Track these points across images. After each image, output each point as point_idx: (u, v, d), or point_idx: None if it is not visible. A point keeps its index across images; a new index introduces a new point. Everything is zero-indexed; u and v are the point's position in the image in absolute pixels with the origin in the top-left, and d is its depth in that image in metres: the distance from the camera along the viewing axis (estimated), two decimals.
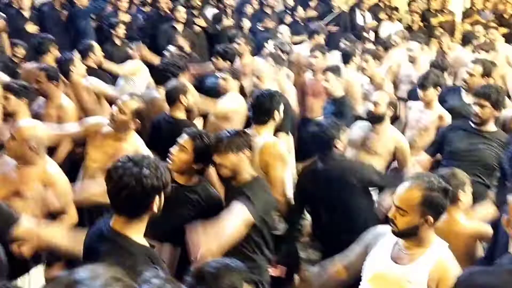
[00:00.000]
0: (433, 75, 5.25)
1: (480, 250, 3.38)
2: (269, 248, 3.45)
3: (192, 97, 4.89)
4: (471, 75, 5.43)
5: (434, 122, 5.12)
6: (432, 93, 5.17)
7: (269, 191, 3.47)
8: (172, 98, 4.70)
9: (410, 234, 2.69)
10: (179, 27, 8.69)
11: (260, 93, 4.21)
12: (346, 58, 6.93)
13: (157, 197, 2.33)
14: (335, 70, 5.66)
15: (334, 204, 3.87)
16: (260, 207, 3.23)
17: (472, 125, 4.43)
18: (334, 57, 7.20)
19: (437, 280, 2.62)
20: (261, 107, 4.07)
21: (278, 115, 4.08)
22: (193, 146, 3.39)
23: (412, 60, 7.08)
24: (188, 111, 4.87)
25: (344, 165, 3.99)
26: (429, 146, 4.80)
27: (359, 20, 10.74)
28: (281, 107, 4.12)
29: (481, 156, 4.34)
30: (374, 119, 4.72)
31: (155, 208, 2.34)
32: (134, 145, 4.14)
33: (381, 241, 2.85)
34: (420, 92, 5.20)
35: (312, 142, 4.04)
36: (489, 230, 3.18)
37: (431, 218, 2.64)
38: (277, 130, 4.76)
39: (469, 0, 12.60)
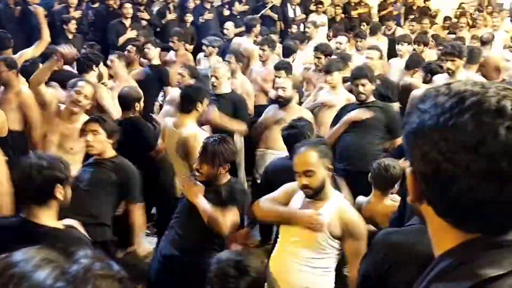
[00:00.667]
0: (335, 61, 5.96)
1: None
2: None
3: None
4: (370, 58, 6.36)
5: (341, 102, 5.64)
6: (337, 78, 5.81)
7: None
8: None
9: (321, 190, 3.15)
10: (127, 22, 9.35)
11: (188, 85, 4.86)
12: (288, 52, 7.62)
13: (59, 186, 2.68)
14: (288, 67, 6.35)
15: None
16: None
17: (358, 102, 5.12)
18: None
19: (340, 224, 3.08)
20: (187, 98, 4.62)
21: (201, 107, 4.58)
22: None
23: (340, 52, 7.73)
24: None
25: None
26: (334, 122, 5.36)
27: (290, 13, 11.69)
28: (205, 101, 4.62)
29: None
30: (283, 102, 5.36)
31: (60, 196, 2.68)
32: None
33: (295, 196, 3.32)
34: (326, 77, 5.82)
35: (286, 141, 4.19)
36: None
37: (331, 166, 3.20)
38: None
39: None
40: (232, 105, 5.59)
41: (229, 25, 9.26)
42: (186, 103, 4.63)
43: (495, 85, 1.03)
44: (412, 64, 6.90)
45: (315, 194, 3.17)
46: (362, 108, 5.08)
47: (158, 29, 10.14)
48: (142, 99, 5.22)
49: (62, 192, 2.68)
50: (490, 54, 7.67)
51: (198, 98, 4.60)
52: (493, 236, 1.03)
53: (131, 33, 8.94)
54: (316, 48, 7.10)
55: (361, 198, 4.08)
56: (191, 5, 10.45)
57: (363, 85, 5.03)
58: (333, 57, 6.85)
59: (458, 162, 0.98)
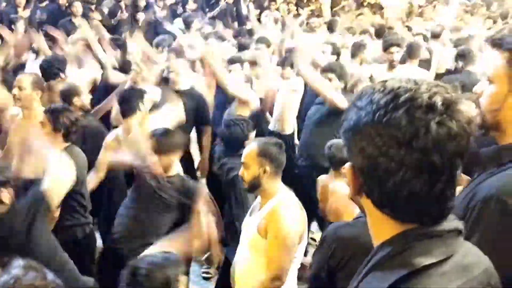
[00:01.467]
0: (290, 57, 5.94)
1: None
2: None
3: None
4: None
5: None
6: (290, 72, 5.75)
7: None
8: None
9: (255, 186, 3.11)
10: (77, 21, 9.16)
11: (124, 89, 4.74)
12: (242, 49, 7.39)
13: (2, 190, 2.83)
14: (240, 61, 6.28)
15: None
16: None
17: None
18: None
19: (266, 224, 2.97)
20: (125, 101, 4.47)
21: (143, 107, 4.45)
22: None
23: None
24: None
25: None
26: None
27: (244, 10, 11.72)
28: (146, 103, 4.50)
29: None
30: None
31: (6, 200, 2.84)
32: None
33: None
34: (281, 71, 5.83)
35: (225, 142, 4.26)
36: None
37: (268, 168, 3.07)
38: (200, 124, 5.52)
39: None
40: (193, 101, 5.49)
41: (177, 21, 9.14)
42: (126, 107, 4.48)
43: (427, 82, 1.07)
44: (356, 51, 6.95)
45: (249, 188, 3.17)
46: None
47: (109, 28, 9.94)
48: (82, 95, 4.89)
49: (7, 195, 2.73)
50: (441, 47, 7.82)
51: (137, 98, 4.48)
52: (427, 226, 1.08)
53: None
54: (258, 41, 7.10)
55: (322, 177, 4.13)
56: (142, 3, 10.32)
57: (329, 79, 4.98)
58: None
59: (393, 157, 1.02)
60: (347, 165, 1.14)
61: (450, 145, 1.01)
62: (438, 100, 1.02)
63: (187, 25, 8.73)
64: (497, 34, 1.66)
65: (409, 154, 1.01)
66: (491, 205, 1.52)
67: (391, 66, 6.07)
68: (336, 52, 6.85)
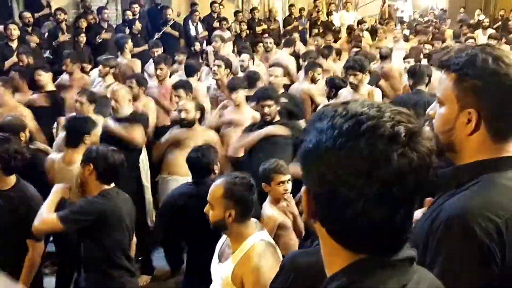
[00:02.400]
0: (240, 81, 5.84)
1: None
2: None
3: None
4: (275, 76, 6.20)
5: (247, 121, 5.58)
6: (242, 96, 5.63)
7: None
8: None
9: (221, 228, 2.87)
10: (13, 44, 8.63)
11: (73, 117, 4.58)
12: (191, 71, 7.24)
13: None
14: (186, 86, 6.07)
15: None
16: None
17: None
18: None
19: (240, 274, 2.74)
20: (73, 131, 4.38)
21: (89, 140, 4.29)
22: None
23: (243, 70, 7.68)
24: None
25: None
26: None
27: (192, 30, 11.41)
28: (94, 132, 4.36)
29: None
30: (186, 124, 5.19)
31: None
32: None
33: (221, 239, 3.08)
34: (231, 95, 5.67)
35: (190, 166, 4.06)
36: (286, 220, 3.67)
37: (233, 212, 2.80)
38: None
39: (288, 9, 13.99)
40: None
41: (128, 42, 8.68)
42: (73, 137, 4.37)
43: (390, 108, 1.05)
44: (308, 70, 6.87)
45: (215, 229, 2.91)
46: (279, 125, 4.96)
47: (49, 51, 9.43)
48: (28, 129, 4.79)
49: None
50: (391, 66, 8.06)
51: (85, 130, 4.33)
52: (381, 256, 1.07)
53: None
54: (217, 57, 7.01)
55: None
56: (83, 24, 9.85)
57: (268, 106, 4.94)
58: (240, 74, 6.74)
59: (353, 186, 1.00)
60: (303, 189, 1.10)
61: (411, 177, 1.00)
62: (401, 131, 1.01)
63: (120, 46, 8.31)
64: (444, 55, 1.66)
65: (369, 185, 1.00)
66: (453, 227, 1.51)
67: (354, 88, 5.83)
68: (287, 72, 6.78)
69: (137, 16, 10.88)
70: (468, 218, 1.48)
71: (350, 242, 1.07)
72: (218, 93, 6.68)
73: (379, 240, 1.05)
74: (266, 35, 10.94)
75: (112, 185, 3.59)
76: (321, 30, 12.17)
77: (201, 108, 5.43)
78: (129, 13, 10.74)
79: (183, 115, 5.20)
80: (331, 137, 1.02)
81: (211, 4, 12.28)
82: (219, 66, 6.65)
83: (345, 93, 5.86)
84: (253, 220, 2.93)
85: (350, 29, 12.18)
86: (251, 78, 6.28)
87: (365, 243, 1.06)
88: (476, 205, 1.51)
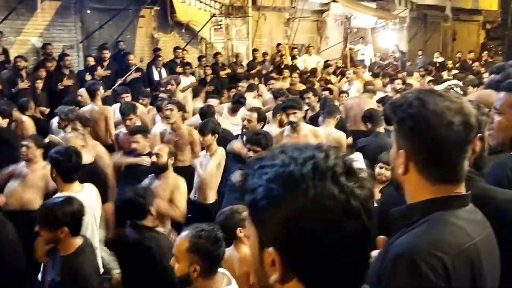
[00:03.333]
0: (211, 123, 5.85)
1: None
2: None
3: None
4: (249, 121, 6.26)
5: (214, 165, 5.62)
6: (210, 139, 5.63)
7: None
8: None
9: (187, 283, 2.80)
10: None
11: None
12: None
13: None
14: (143, 130, 6.08)
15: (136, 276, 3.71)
16: None
17: None
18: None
19: None
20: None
21: None
22: None
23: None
24: None
25: (160, 237, 3.89)
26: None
27: (156, 76, 11.42)
28: None
29: None
30: (158, 169, 5.19)
31: None
32: None
33: None
34: (200, 138, 5.71)
35: (125, 208, 3.96)
36: None
37: (198, 267, 2.75)
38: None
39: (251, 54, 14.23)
40: (95, 176, 5.20)
41: (82, 91, 8.57)
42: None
43: (327, 146, 1.10)
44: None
45: (181, 284, 2.84)
46: None
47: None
48: None
49: None
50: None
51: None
52: None
53: None
54: (170, 102, 6.89)
55: None
56: (43, 72, 9.75)
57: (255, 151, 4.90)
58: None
59: (332, 229, 1.03)
60: (270, 249, 1.06)
61: (371, 205, 1.06)
62: (352, 166, 1.07)
63: (92, 92, 8.12)
64: (391, 103, 1.72)
65: (347, 224, 1.02)
66: (400, 265, 1.53)
67: (294, 127, 5.93)
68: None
69: (107, 62, 10.86)
70: (414, 256, 1.51)
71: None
72: (174, 136, 6.58)
73: (351, 279, 1.07)
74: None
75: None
76: (287, 73, 12.30)
77: (173, 154, 5.41)
78: (90, 59, 10.70)
79: (154, 158, 5.17)
80: (294, 184, 1.03)
81: (174, 49, 12.40)
82: (171, 110, 6.56)
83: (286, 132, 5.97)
84: (221, 272, 2.88)
85: (313, 72, 12.43)
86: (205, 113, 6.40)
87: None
88: (423, 242, 1.54)
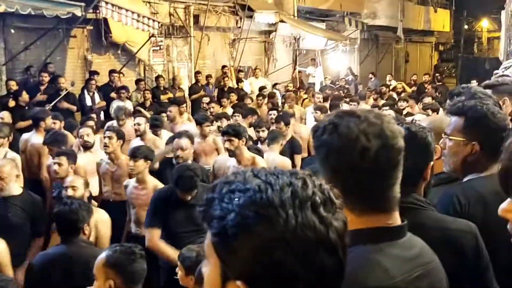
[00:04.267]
0: (145, 148, 5.69)
1: None
2: None
3: None
4: (181, 149, 5.96)
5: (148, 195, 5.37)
6: (142, 165, 5.43)
7: None
8: None
9: None
10: None
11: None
12: None
13: None
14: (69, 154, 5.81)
15: None
16: None
17: None
18: None
19: None
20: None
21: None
22: None
23: (140, 134, 7.46)
24: None
25: (91, 252, 3.76)
26: None
27: (88, 101, 11.01)
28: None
29: None
30: None
31: None
32: None
33: None
34: (130, 163, 5.46)
35: (58, 222, 3.88)
36: None
37: (113, 282, 2.78)
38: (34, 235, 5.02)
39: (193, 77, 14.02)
40: (27, 208, 4.98)
41: (5, 115, 8.10)
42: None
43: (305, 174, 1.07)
44: None
45: None
46: None
47: None
48: None
49: None
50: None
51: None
52: None
53: None
54: (108, 129, 6.70)
55: None
56: None
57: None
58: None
59: (308, 260, 1.00)
60: (238, 283, 1.01)
61: (346, 239, 1.06)
62: (331, 195, 1.06)
63: (36, 123, 7.57)
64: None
65: (325, 258, 1.02)
66: None
67: (231, 155, 5.91)
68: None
69: (44, 86, 10.47)
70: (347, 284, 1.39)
71: None
72: (111, 167, 6.27)
73: None
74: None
75: None
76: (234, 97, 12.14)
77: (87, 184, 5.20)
78: (12, 83, 10.15)
79: (70, 192, 4.89)
80: (268, 213, 0.98)
81: (110, 72, 12.03)
82: (110, 137, 6.27)
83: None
84: None
85: (271, 96, 12.41)
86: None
87: None
88: None
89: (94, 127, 7.51)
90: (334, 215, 1.03)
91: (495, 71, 13.04)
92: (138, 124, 7.48)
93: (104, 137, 6.38)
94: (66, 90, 10.61)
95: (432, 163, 2.09)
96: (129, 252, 2.89)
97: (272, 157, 6.46)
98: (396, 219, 1.56)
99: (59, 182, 5.68)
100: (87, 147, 6.58)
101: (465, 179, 2.49)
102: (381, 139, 1.49)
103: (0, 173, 4.86)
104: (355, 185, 1.51)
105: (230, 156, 5.83)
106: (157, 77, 13.06)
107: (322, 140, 1.53)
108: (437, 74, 20.30)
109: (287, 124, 7.96)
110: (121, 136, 6.45)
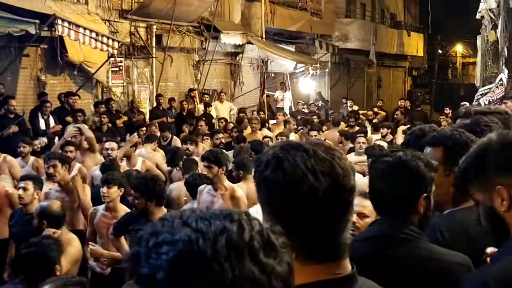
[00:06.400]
0: (117, 173, 5.68)
1: None
2: None
3: None
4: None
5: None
6: (115, 192, 5.46)
7: None
8: None
9: None
10: None
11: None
12: None
13: None
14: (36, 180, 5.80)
15: None
16: None
17: None
18: None
19: None
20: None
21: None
22: None
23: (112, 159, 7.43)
24: None
25: None
26: None
27: (42, 124, 10.92)
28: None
29: None
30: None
31: None
32: None
33: None
34: (103, 189, 5.47)
35: (26, 264, 3.81)
36: None
37: None
38: None
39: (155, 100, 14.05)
40: None
41: None
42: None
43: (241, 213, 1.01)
44: None
45: None
46: None
47: None
48: None
49: None
50: None
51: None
52: None
53: None
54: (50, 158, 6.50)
55: None
56: None
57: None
58: None
59: None
60: None
61: (291, 282, 1.00)
62: (271, 236, 1.00)
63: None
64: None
65: None
66: None
67: (208, 183, 5.87)
68: None
69: None
70: None
71: None
72: (60, 194, 6.17)
73: None
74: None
75: None
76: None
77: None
78: None
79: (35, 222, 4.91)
80: (205, 265, 0.92)
81: (65, 95, 11.95)
82: (54, 166, 6.18)
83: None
84: None
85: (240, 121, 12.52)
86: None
87: None
88: None
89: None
90: (276, 259, 0.97)
91: (462, 103, 13.40)
92: (112, 150, 7.43)
93: (48, 166, 6.25)
94: (18, 115, 10.49)
95: (426, 194, 2.12)
96: (80, 283, 3.02)
97: (249, 188, 6.12)
98: (346, 268, 1.48)
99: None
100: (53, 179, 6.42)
101: (446, 211, 2.53)
102: (331, 177, 1.41)
103: None
104: (299, 229, 1.41)
105: (207, 184, 5.75)
106: (108, 100, 12.95)
107: (264, 176, 1.44)
108: (403, 101, 20.34)
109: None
110: (65, 161, 6.42)
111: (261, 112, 15.62)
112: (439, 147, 2.52)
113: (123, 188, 5.53)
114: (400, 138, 8.01)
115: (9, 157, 7.68)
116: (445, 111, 14.85)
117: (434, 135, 2.63)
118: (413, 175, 2.08)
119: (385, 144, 6.88)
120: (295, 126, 11.88)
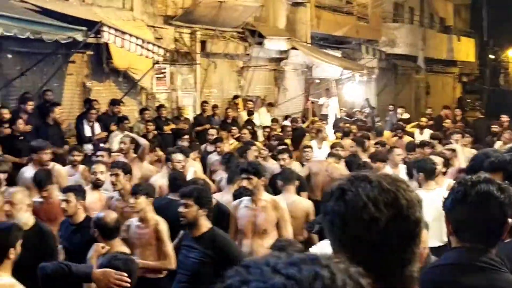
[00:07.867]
0: (146, 184, 5.85)
1: None
2: None
3: None
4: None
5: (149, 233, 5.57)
6: (143, 202, 5.57)
7: None
8: None
9: None
10: None
11: None
12: None
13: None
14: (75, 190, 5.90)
15: None
16: None
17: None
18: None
19: None
20: None
21: (14, 253, 4.10)
22: None
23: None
24: None
25: None
26: None
27: (87, 131, 11.23)
28: (19, 242, 4.18)
29: None
30: None
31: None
32: None
33: None
34: (131, 200, 5.65)
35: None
36: None
37: None
38: None
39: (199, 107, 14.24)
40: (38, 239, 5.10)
41: None
42: None
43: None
44: None
45: None
46: None
47: None
48: None
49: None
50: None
51: (8, 243, 4.09)
52: None
53: None
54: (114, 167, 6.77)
55: None
56: None
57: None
58: None
59: None
60: None
61: None
62: (361, 281, 1.01)
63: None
64: None
65: None
66: None
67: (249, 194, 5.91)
68: None
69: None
70: None
71: None
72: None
73: None
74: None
75: None
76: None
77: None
78: (4, 111, 10.20)
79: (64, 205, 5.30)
80: None
81: (111, 103, 12.22)
82: (116, 175, 6.48)
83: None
84: None
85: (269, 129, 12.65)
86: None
87: None
88: None
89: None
90: None
91: None
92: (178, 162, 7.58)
93: (111, 175, 6.55)
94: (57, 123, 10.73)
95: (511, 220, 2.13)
96: None
97: (291, 200, 6.33)
98: None
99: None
100: (98, 185, 6.76)
101: (506, 240, 2.50)
102: (394, 208, 1.44)
103: (12, 199, 5.15)
104: (360, 259, 1.38)
105: (247, 195, 5.80)
106: (159, 107, 13.21)
107: (328, 207, 1.49)
108: (457, 110, 19.87)
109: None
110: (128, 170, 6.66)
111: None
112: (499, 172, 2.56)
113: (151, 198, 5.68)
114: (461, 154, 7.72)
115: (58, 166, 7.86)
116: (502, 119, 14.06)
117: (493, 161, 2.67)
118: (502, 206, 2.13)
119: (439, 160, 6.73)
120: (327, 134, 12.02)
